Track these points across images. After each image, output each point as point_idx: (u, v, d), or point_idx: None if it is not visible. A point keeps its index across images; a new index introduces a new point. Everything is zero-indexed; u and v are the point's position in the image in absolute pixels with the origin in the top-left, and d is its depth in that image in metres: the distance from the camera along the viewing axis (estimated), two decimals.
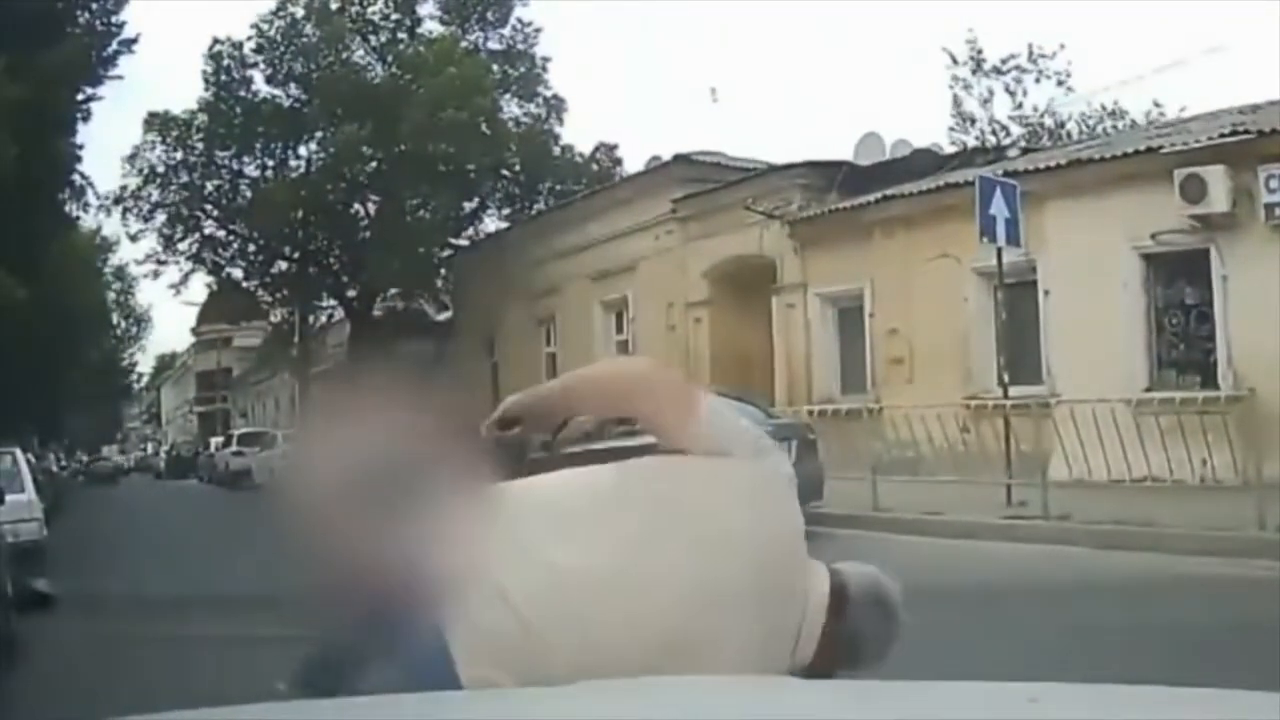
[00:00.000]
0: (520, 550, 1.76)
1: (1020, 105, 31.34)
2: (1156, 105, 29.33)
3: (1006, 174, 15.63)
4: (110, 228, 44.11)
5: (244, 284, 38.49)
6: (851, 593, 1.90)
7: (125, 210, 35.49)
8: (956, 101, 31.76)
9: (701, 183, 23.54)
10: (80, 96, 23.71)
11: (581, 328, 26.32)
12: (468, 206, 34.89)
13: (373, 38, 35.03)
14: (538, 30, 35.51)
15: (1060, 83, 30.71)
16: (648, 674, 1.66)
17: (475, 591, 1.74)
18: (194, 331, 61.64)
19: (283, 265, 37.17)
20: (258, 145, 34.76)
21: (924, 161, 21.61)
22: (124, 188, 35.12)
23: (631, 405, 2.02)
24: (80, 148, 25.56)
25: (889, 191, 19.19)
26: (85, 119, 24.81)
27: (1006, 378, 14.34)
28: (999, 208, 13.82)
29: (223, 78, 34.22)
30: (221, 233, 36.92)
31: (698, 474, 1.85)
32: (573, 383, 2.09)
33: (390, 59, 34.27)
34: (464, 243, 35.36)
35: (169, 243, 36.28)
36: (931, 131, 46.80)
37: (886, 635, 1.92)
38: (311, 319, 39.27)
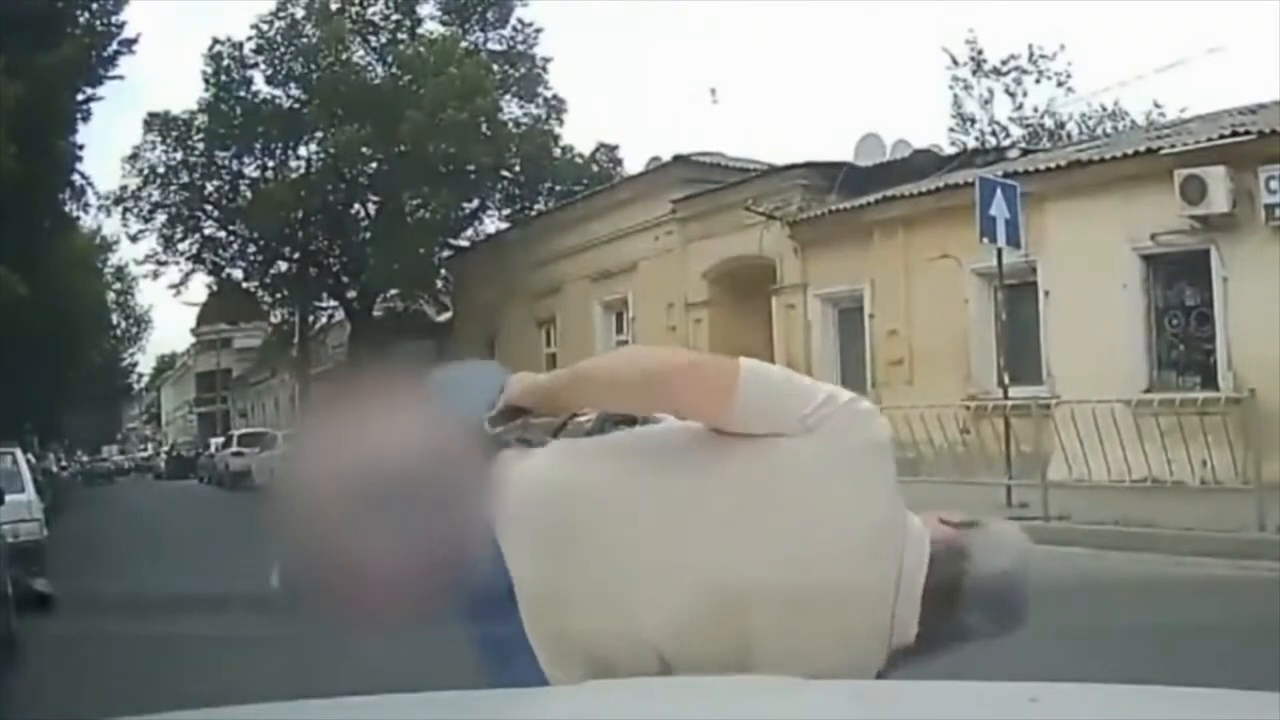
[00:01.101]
0: (552, 542, 1.75)
1: (1020, 106, 31.36)
2: (1157, 106, 29.33)
3: (1006, 175, 15.63)
4: (110, 228, 44.23)
5: (244, 284, 38.53)
6: (970, 580, 1.73)
7: (125, 210, 35.55)
8: (956, 102, 31.78)
9: (701, 183, 23.54)
10: (80, 96, 23.73)
11: (582, 328, 26.33)
12: (468, 207, 34.90)
13: (373, 38, 35.06)
14: (538, 31, 35.60)
15: (1060, 83, 30.73)
16: (684, 665, 1.64)
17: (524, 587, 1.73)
18: (194, 332, 61.70)
19: (283, 266, 37.18)
20: (258, 146, 34.78)
21: (924, 162, 21.61)
22: (124, 188, 35.18)
23: (656, 401, 1.85)
24: (80, 148, 25.62)
25: (889, 192, 19.18)
26: (85, 119, 24.87)
27: (1006, 378, 14.33)
28: (999, 209, 13.82)
29: (223, 78, 34.23)
30: (222, 233, 36.94)
31: (738, 459, 1.73)
32: (587, 374, 1.92)
33: (390, 59, 34.29)
34: (464, 243, 35.38)
35: (169, 243, 36.32)
36: (931, 132, 46.85)
37: (1002, 627, 1.78)
38: (311, 319, 39.29)
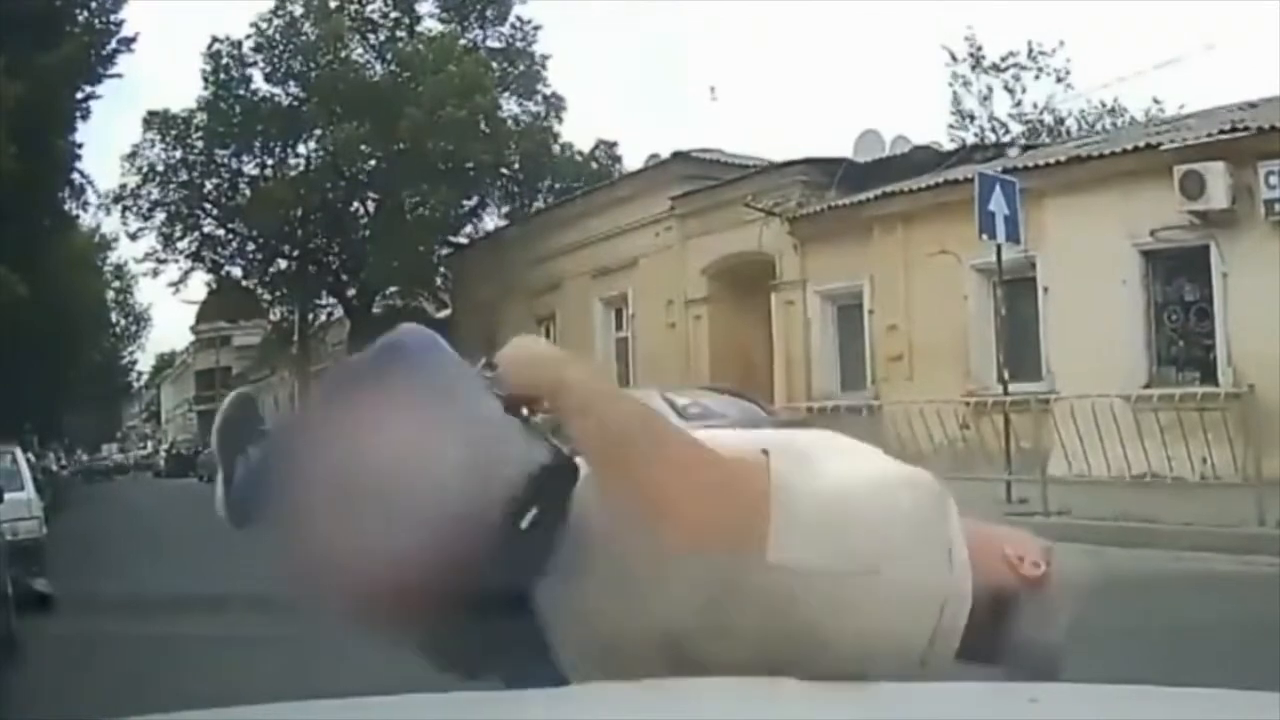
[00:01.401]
0: (573, 549, 1.69)
1: (1019, 102, 31.43)
2: (1156, 102, 29.43)
3: (1006, 171, 15.63)
4: (110, 226, 44.28)
5: (243, 282, 38.52)
6: (1010, 640, 1.59)
7: (125, 208, 35.53)
8: (956, 98, 31.86)
9: (701, 180, 23.53)
10: (80, 95, 23.72)
11: (581, 325, 26.32)
12: (467, 204, 34.90)
13: (372, 36, 35.04)
14: (537, 28, 35.59)
15: (1059, 80, 30.81)
16: (714, 667, 1.58)
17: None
18: (193, 330, 61.69)
19: (282, 264, 37.18)
20: (257, 144, 34.77)
21: (923, 158, 21.60)
22: (123, 186, 35.17)
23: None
24: (80, 146, 25.60)
25: (888, 188, 19.18)
26: (85, 117, 24.86)
27: (1006, 374, 14.34)
28: (998, 204, 13.83)
29: (222, 76, 34.22)
30: (221, 231, 36.94)
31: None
32: (581, 420, 1.63)
33: (389, 57, 34.27)
34: (463, 240, 35.38)
35: (168, 241, 36.31)
36: (931, 128, 46.88)
37: (1033, 677, 1.59)
38: (311, 317, 39.28)
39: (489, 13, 35.36)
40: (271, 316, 41.46)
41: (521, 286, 28.75)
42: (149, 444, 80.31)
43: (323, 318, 40.03)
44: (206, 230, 36.80)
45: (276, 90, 34.46)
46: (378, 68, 34.41)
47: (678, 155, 25.05)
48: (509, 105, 34.62)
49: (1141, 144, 15.90)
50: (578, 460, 1.69)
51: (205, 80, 34.35)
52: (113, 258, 50.54)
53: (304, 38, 33.60)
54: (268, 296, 39.20)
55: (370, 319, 35.56)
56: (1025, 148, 22.79)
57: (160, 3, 49.85)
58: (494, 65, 33.89)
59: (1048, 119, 31.44)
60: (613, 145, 36.08)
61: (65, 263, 30.97)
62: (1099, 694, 1.50)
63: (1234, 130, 14.40)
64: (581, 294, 26.49)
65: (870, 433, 16.17)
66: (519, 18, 35.52)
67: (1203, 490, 12.61)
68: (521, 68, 35.03)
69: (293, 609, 2.02)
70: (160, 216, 35.82)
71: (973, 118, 31.64)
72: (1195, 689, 1.48)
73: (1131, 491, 12.66)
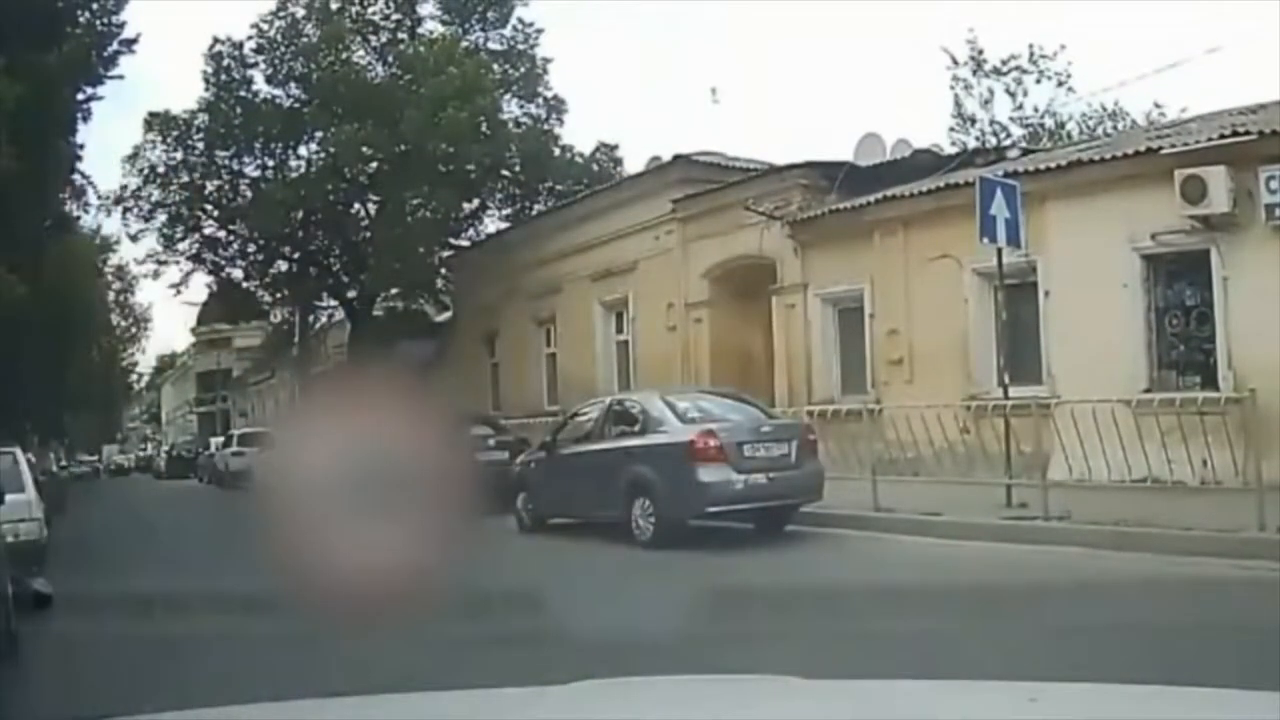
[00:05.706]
0: None
1: (1020, 106, 31.44)
2: (1157, 106, 29.46)
3: (1007, 174, 15.62)
4: (110, 227, 44.47)
5: (244, 284, 38.47)
6: None
7: (125, 210, 35.46)
8: (957, 102, 31.86)
9: (702, 183, 23.51)
10: (81, 96, 23.73)
11: (582, 328, 26.33)
12: (468, 207, 34.85)
13: (373, 38, 35.04)
14: (538, 30, 35.55)
15: (1061, 83, 30.81)
16: None
17: None
18: (194, 331, 61.76)
19: (283, 265, 37.14)
20: (258, 145, 34.71)
21: (924, 162, 21.58)
22: (124, 187, 35.11)
23: None
24: (81, 147, 25.66)
25: (889, 192, 19.16)
26: (86, 119, 24.87)
27: (1007, 378, 14.33)
28: (999, 208, 13.82)
29: (223, 78, 34.18)
30: (222, 233, 36.88)
31: None
32: None
33: (390, 59, 34.26)
34: (464, 243, 35.35)
35: (169, 242, 36.26)
36: (932, 132, 46.81)
37: None
38: (312, 319, 39.27)
39: (490, 15, 35.34)
40: (272, 318, 41.47)
41: (522, 289, 28.76)
42: (149, 445, 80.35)
43: (323, 320, 40.03)
44: (207, 232, 36.77)
45: (278, 92, 34.42)
46: (379, 69, 34.39)
47: (679, 158, 25.04)
48: (510, 107, 34.59)
49: (1143, 148, 15.88)
50: None
51: (206, 81, 34.32)
52: (113, 259, 50.60)
53: (305, 39, 33.58)
54: (268, 298, 39.18)
55: (371, 321, 35.60)
56: (1026, 151, 22.77)
57: (162, 4, 49.92)
58: (495, 67, 33.85)
59: (1049, 122, 31.48)
60: (614, 148, 36.04)
61: (66, 264, 30.98)
62: (1099, 694, 1.50)
63: (1235, 135, 14.39)
64: (582, 297, 26.49)
65: (871, 436, 16.19)
66: (520, 20, 35.52)
67: (1203, 495, 12.61)
68: (523, 70, 35.00)
69: (293, 609, 2.03)
70: (161, 218, 35.78)
71: (974, 121, 31.67)
72: (1195, 689, 1.48)
73: (1132, 496, 12.65)
